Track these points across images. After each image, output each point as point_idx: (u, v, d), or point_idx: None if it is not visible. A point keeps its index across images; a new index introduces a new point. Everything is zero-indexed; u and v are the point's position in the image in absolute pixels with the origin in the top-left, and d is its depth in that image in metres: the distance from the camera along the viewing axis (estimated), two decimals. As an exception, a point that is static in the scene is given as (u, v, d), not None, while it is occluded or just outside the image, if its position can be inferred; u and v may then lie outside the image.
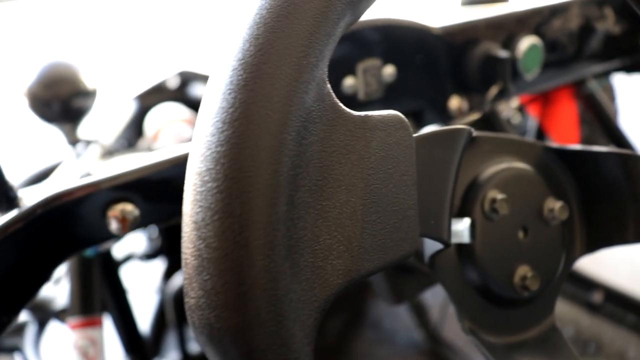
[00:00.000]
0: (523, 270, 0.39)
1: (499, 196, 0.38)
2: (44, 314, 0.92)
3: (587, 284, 1.30)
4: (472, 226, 0.38)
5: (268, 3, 0.27)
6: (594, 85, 1.18)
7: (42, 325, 0.98)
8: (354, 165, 0.29)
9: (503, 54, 0.58)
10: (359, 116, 0.29)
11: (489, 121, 0.61)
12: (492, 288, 0.39)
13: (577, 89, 1.18)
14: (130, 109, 0.88)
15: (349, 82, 0.54)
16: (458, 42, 0.59)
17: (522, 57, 0.61)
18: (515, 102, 1.38)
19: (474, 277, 0.39)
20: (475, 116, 0.62)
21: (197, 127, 0.27)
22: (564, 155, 0.43)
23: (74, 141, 0.86)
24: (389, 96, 0.57)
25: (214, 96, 0.26)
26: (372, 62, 0.54)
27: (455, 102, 0.60)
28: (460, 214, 0.39)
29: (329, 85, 0.28)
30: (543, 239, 0.40)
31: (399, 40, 0.55)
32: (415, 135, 0.32)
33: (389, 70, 0.55)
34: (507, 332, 0.41)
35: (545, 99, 1.25)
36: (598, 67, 0.76)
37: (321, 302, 0.27)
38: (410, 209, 0.31)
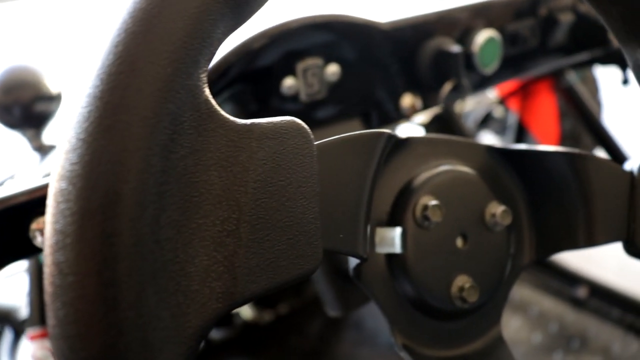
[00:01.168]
0: (461, 280, 0.37)
1: (432, 202, 0.35)
2: (19, 323, 0.91)
3: (572, 279, 1.29)
4: (404, 235, 0.35)
5: (132, 6, 0.25)
6: (572, 78, 1.15)
7: (17, 334, 0.97)
8: (236, 178, 0.27)
9: (455, 48, 0.55)
10: (244, 125, 0.27)
11: (444, 119, 0.59)
12: (427, 300, 0.36)
13: (555, 82, 1.15)
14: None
15: (288, 82, 0.51)
16: (408, 37, 0.56)
17: (479, 52, 0.59)
18: (493, 95, 1.36)
19: (407, 289, 0.36)
20: (429, 114, 0.59)
21: (59, 144, 0.25)
22: (509, 155, 0.41)
23: (38, 147, 0.84)
24: (333, 96, 0.54)
25: (73, 113, 0.24)
26: (313, 62, 0.52)
27: (408, 101, 0.57)
28: (391, 223, 0.36)
29: (207, 93, 0.26)
30: (485, 247, 0.38)
31: (342, 38, 0.53)
32: (319, 142, 0.30)
33: (333, 69, 0.53)
34: (448, 346, 0.39)
35: (524, 93, 1.23)
36: (567, 60, 0.74)
37: (197, 329, 0.25)
38: (311, 223, 0.29)
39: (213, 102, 0.26)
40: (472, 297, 0.36)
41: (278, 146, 0.28)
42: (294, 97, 0.52)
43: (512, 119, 1.31)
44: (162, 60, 0.24)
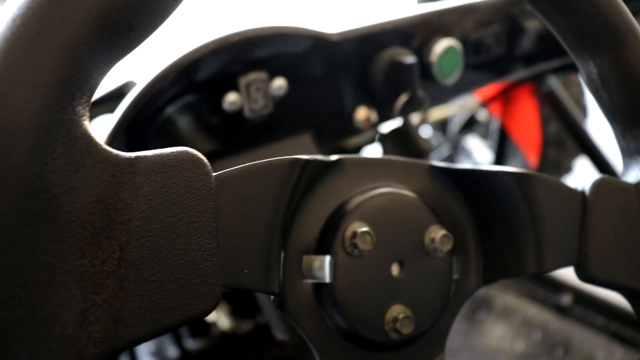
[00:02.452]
0: (396, 310, 0.34)
1: (361, 229, 0.33)
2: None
3: (556, 286, 1.27)
4: (332, 264, 0.33)
5: None
6: (553, 82, 1.13)
7: None
8: (117, 216, 0.25)
9: (409, 59, 0.52)
10: (127, 159, 0.26)
11: (401, 133, 0.56)
12: (358, 332, 0.34)
13: (536, 87, 1.13)
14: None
15: (230, 98, 0.48)
16: (360, 48, 0.53)
17: (438, 62, 0.56)
18: (474, 101, 1.33)
19: (336, 320, 0.34)
20: (385, 128, 0.56)
21: None
22: (454, 175, 0.39)
23: None
24: (280, 111, 0.51)
25: None
26: (257, 76, 0.49)
27: (362, 114, 0.55)
28: (320, 251, 0.34)
29: (85, 126, 0.24)
30: (424, 273, 0.35)
31: (287, 50, 0.50)
32: (220, 173, 0.28)
33: (278, 84, 0.50)
34: None
35: (505, 98, 1.20)
36: (538, 67, 0.71)
37: None
38: (206, 260, 0.27)
39: (93, 135, 0.25)
40: (407, 329, 0.34)
41: (166, 180, 0.26)
42: (237, 114, 0.49)
43: (495, 123, 1.28)
44: (27, 94, 0.23)
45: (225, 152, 0.51)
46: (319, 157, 0.34)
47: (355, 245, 0.33)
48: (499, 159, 1.26)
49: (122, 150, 0.47)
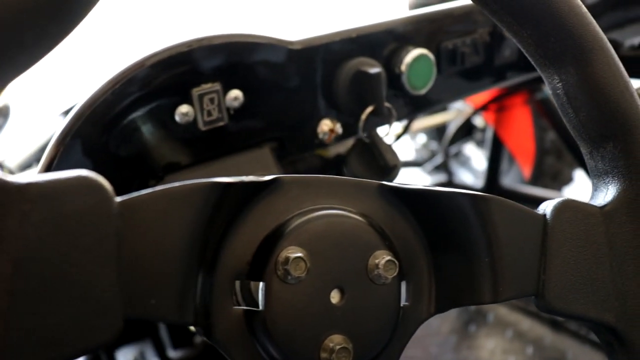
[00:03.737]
0: (334, 340, 0.32)
1: (294, 254, 0.31)
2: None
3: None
4: (265, 290, 0.31)
5: None
6: (547, 90, 1.10)
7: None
8: (1, 246, 0.24)
9: (374, 69, 0.50)
10: (16, 185, 0.24)
11: (367, 147, 0.54)
12: None
13: (529, 94, 1.10)
14: (46, 129, 0.82)
15: (183, 109, 0.46)
16: (324, 58, 0.51)
17: (407, 72, 0.53)
18: (468, 109, 1.30)
19: (269, 349, 0.32)
20: (350, 142, 0.54)
21: None
22: (405, 196, 0.36)
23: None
24: (237, 123, 0.49)
25: None
26: (210, 87, 0.47)
27: (326, 126, 0.52)
28: (252, 276, 0.32)
29: None
30: (367, 301, 0.33)
31: (243, 60, 0.48)
32: (123, 199, 0.27)
33: (234, 95, 0.48)
34: None
35: (498, 105, 1.17)
36: (522, 77, 0.68)
37: None
38: (105, 291, 0.26)
39: None
40: None
41: (60, 207, 0.25)
42: (191, 126, 0.47)
43: (491, 131, 1.25)
44: None
45: (184, 164, 0.49)
46: (250, 178, 0.32)
47: (287, 272, 0.31)
48: (493, 169, 1.23)
49: (77, 156, 0.45)
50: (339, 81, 0.51)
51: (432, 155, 1.60)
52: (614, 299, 0.38)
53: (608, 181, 0.40)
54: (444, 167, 1.25)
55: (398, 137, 0.82)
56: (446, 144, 1.22)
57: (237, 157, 0.50)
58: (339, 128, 0.53)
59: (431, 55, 0.55)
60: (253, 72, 0.48)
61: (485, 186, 1.24)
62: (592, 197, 0.41)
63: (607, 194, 0.39)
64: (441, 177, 1.34)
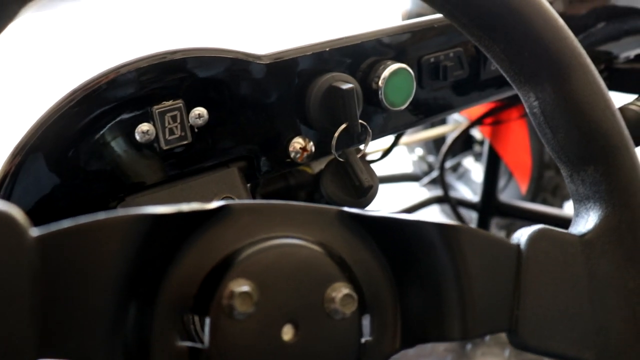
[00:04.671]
0: None
1: (240, 289, 0.28)
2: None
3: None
4: (210, 326, 0.29)
5: None
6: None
7: None
8: None
9: (346, 85, 0.47)
10: None
11: (343, 167, 0.51)
12: None
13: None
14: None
15: (143, 128, 0.44)
16: (295, 73, 0.48)
17: (384, 87, 0.51)
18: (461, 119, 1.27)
19: None
20: (324, 161, 0.52)
21: None
22: (367, 223, 0.33)
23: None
24: (201, 142, 0.47)
25: None
26: (171, 104, 0.44)
27: (298, 145, 0.49)
28: (197, 310, 0.30)
29: None
30: (323, 338, 0.31)
31: (207, 76, 0.45)
32: (41, 233, 0.25)
33: (198, 112, 0.45)
34: None
35: (494, 119, 1.14)
36: (511, 90, 0.66)
37: None
38: (16, 331, 0.24)
39: None
40: None
41: None
42: (152, 144, 0.45)
43: (487, 145, 1.22)
44: None
45: (147, 185, 0.47)
46: (192, 206, 0.29)
47: (232, 307, 0.28)
48: (490, 183, 1.20)
49: (39, 171, 0.43)
50: (311, 97, 0.48)
51: (431, 168, 1.57)
52: (594, 335, 0.35)
53: (589, 207, 0.37)
54: (440, 181, 1.22)
55: (385, 153, 0.80)
56: (441, 158, 1.19)
57: (203, 177, 0.48)
58: (311, 146, 0.50)
59: (410, 70, 0.52)
60: (218, 88, 0.46)
61: (482, 201, 1.21)
62: (573, 224, 0.38)
63: (588, 221, 0.37)
64: (438, 191, 1.31)
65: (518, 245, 0.34)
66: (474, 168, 1.67)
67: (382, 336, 0.33)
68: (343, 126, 0.48)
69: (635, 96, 0.66)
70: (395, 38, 0.53)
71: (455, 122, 1.48)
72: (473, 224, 1.28)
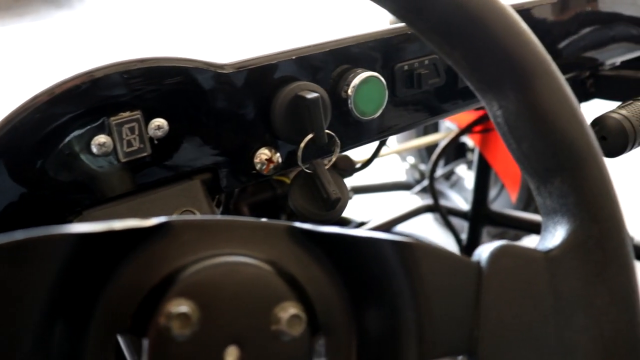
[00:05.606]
0: None
1: (178, 309, 0.27)
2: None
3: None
4: (148, 348, 0.28)
5: None
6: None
7: None
8: None
9: (312, 94, 0.46)
10: None
11: (309, 178, 0.49)
12: None
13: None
14: None
15: (100, 140, 0.42)
16: (260, 82, 0.47)
17: (354, 96, 0.49)
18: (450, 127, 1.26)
19: None
20: (292, 173, 0.50)
21: None
22: (319, 240, 0.32)
23: None
24: (161, 154, 0.45)
25: None
26: (129, 115, 0.43)
27: (263, 156, 0.48)
28: (135, 331, 0.28)
29: None
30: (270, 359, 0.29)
31: (166, 86, 0.44)
32: None
33: (157, 123, 0.44)
34: None
35: (483, 127, 1.12)
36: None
37: None
38: None
39: None
40: None
41: None
42: (110, 156, 0.43)
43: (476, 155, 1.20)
44: None
45: (107, 198, 0.45)
46: (129, 223, 0.28)
47: (171, 328, 0.27)
48: (480, 192, 1.18)
49: (3, 182, 0.41)
50: (276, 107, 0.47)
51: (423, 177, 1.55)
52: (559, 356, 0.33)
53: (557, 221, 0.35)
54: (430, 190, 1.20)
55: (365, 164, 0.78)
56: (431, 166, 1.18)
57: (164, 190, 0.46)
58: (278, 158, 0.49)
59: (381, 78, 0.51)
60: (178, 99, 0.44)
61: (473, 210, 1.19)
62: (540, 239, 0.36)
63: (555, 236, 0.35)
64: (430, 200, 1.29)
65: (478, 263, 0.33)
66: (467, 176, 1.65)
67: (337, 358, 0.32)
68: (309, 136, 0.47)
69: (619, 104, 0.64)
70: (367, 45, 0.52)
71: (448, 130, 1.46)
72: (464, 233, 1.26)
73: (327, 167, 0.49)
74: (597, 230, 0.34)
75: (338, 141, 0.50)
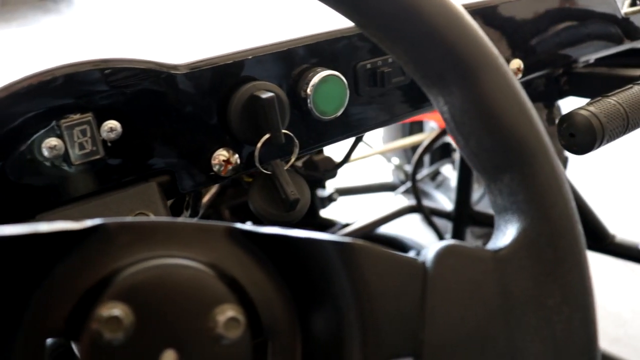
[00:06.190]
0: None
1: (110, 312, 0.27)
2: None
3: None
4: (80, 353, 0.27)
5: None
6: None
7: None
8: None
9: (267, 93, 0.45)
10: None
11: (268, 179, 0.49)
12: None
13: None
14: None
15: (51, 143, 0.41)
16: (215, 82, 0.46)
17: (313, 95, 0.49)
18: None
19: None
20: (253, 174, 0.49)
21: None
22: (260, 241, 0.31)
23: None
24: (115, 156, 0.44)
25: None
26: (80, 118, 0.42)
27: (221, 158, 0.47)
28: (70, 335, 0.28)
29: None
30: None
31: (119, 88, 0.43)
32: None
33: (110, 125, 0.43)
34: None
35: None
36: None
37: None
38: None
39: None
40: None
41: None
42: (62, 159, 0.42)
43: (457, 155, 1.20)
44: None
45: (61, 201, 0.45)
46: (57, 225, 0.27)
47: (102, 332, 0.26)
48: (463, 192, 1.18)
49: None
50: (232, 108, 0.46)
51: (408, 177, 1.55)
52: (509, 358, 0.32)
53: (508, 219, 0.35)
54: (412, 191, 1.19)
55: (337, 166, 0.77)
56: (413, 167, 1.17)
57: (120, 192, 0.45)
58: (236, 159, 0.48)
59: (342, 77, 0.50)
60: (132, 100, 0.44)
61: (456, 210, 1.18)
62: (492, 239, 0.36)
63: (506, 235, 0.34)
64: (414, 200, 1.28)
65: (424, 263, 0.32)
66: (454, 176, 1.65)
67: None
68: (266, 137, 0.46)
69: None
70: (328, 44, 0.51)
71: (432, 130, 1.46)
72: (448, 234, 1.25)
73: (286, 167, 0.48)
74: (548, 228, 0.33)
75: (297, 141, 0.49)
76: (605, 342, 1.50)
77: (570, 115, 0.59)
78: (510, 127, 0.33)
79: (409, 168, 1.59)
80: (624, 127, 0.60)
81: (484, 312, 0.32)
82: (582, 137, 0.58)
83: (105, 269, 0.28)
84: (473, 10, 0.62)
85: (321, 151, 1.12)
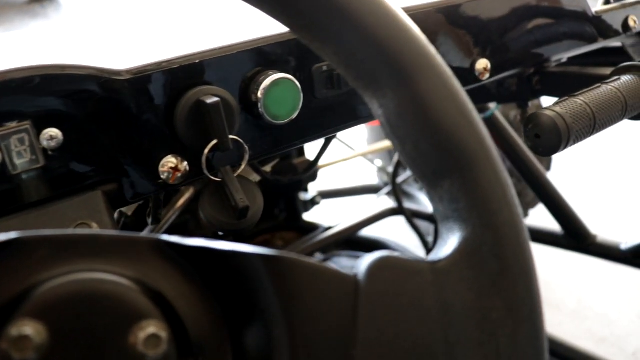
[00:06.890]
0: None
1: (19, 331, 0.25)
2: None
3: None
4: None
5: None
6: (492, 107, 1.04)
7: None
8: None
9: (212, 98, 0.44)
10: None
11: (222, 187, 0.47)
12: None
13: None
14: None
15: (-15, 153, 0.40)
16: (161, 87, 0.45)
17: (264, 100, 0.47)
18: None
19: None
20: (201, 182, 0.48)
21: None
22: (186, 253, 0.30)
23: None
24: (57, 165, 0.43)
25: None
26: (17, 126, 0.41)
27: (170, 164, 0.46)
28: None
29: None
30: None
31: (57, 95, 0.42)
32: None
33: (50, 133, 0.42)
34: None
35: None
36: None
37: None
38: None
39: None
40: None
41: None
42: (0, 169, 0.41)
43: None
44: None
45: (4, 213, 0.43)
46: None
47: (9, 354, 0.25)
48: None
49: None
50: (179, 113, 0.45)
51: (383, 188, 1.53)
52: None
53: (449, 228, 0.33)
54: (393, 193, 1.18)
55: (307, 169, 0.76)
56: (394, 169, 1.16)
57: (63, 202, 0.44)
58: (185, 166, 0.46)
59: (294, 80, 0.49)
60: (72, 107, 0.42)
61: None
62: (434, 249, 0.34)
63: (447, 244, 0.33)
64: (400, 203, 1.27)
65: (355, 277, 0.31)
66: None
67: None
68: (213, 143, 0.45)
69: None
70: (281, 46, 0.50)
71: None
72: (431, 236, 1.24)
73: (236, 174, 0.47)
74: (491, 237, 0.32)
75: (246, 147, 0.48)
76: (592, 342, 1.49)
77: (536, 115, 0.58)
78: (448, 130, 0.32)
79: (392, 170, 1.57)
80: (591, 128, 0.59)
81: (422, 328, 0.31)
82: (548, 138, 0.57)
83: (20, 285, 0.27)
84: (436, 10, 0.60)
85: (302, 154, 1.10)
